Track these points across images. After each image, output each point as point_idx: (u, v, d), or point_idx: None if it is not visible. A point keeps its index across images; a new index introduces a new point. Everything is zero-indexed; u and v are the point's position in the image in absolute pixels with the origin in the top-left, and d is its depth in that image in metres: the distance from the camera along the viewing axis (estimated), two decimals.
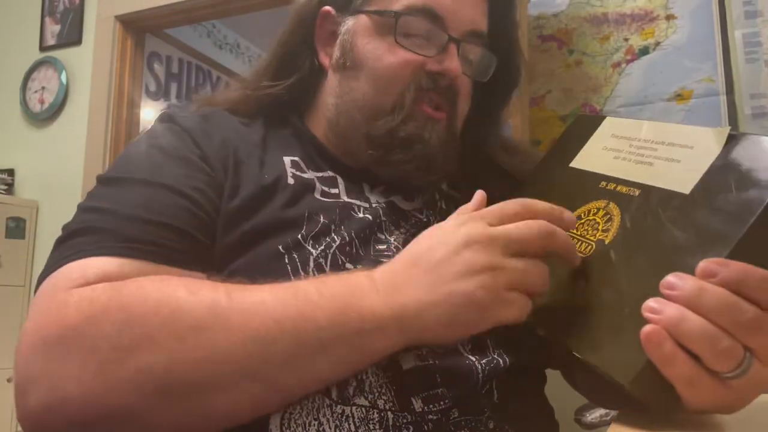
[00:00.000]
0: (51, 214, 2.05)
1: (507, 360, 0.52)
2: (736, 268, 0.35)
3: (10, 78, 2.20)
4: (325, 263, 0.52)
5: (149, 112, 2.60)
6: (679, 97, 1.23)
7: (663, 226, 0.43)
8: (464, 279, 0.42)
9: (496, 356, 0.52)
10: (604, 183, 0.51)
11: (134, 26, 2.10)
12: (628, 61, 1.30)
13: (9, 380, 1.94)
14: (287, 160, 0.60)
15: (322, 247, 0.53)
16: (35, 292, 0.47)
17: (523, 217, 0.44)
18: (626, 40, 1.30)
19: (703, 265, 0.36)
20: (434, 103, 0.59)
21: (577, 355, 0.43)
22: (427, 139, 0.58)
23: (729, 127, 0.46)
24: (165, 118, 0.60)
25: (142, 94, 2.31)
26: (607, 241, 0.46)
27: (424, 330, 0.43)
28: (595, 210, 0.49)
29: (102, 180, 0.54)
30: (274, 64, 0.65)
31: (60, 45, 2.14)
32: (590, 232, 0.48)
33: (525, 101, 1.27)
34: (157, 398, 0.40)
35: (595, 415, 0.94)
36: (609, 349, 0.41)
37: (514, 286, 0.42)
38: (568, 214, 0.46)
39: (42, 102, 2.13)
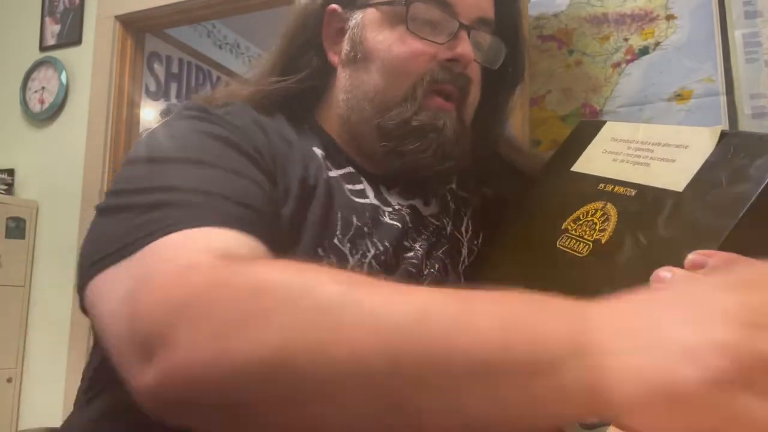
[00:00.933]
0: (51, 215, 2.05)
1: None
2: (723, 257, 0.36)
3: (10, 78, 2.20)
4: (361, 272, 0.52)
5: (149, 112, 2.59)
6: (679, 97, 1.23)
7: (656, 224, 0.44)
8: (725, 326, 0.25)
9: None
10: (602, 185, 0.52)
11: (134, 26, 2.10)
12: (628, 61, 1.30)
13: (9, 380, 1.94)
14: (318, 153, 0.58)
15: (359, 256, 0.52)
16: (118, 262, 0.40)
17: None
18: (626, 40, 1.30)
19: (691, 257, 0.36)
20: (445, 93, 0.59)
21: None
22: (441, 127, 0.57)
23: (722, 126, 0.47)
24: (196, 111, 0.54)
25: (142, 94, 2.31)
26: (603, 241, 0.48)
27: (626, 398, 0.26)
28: (593, 211, 0.51)
29: (158, 159, 0.48)
30: (279, 65, 0.64)
31: (60, 45, 2.14)
32: (588, 233, 0.49)
33: (525, 101, 1.27)
34: (264, 383, 0.32)
35: None
36: None
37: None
38: None
39: (42, 102, 2.13)
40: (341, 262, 0.51)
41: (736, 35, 1.20)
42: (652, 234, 0.44)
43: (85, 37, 2.10)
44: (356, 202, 0.56)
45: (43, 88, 2.13)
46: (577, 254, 0.48)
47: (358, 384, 0.30)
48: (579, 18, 1.33)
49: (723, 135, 0.45)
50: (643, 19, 1.29)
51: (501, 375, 0.28)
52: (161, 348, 0.34)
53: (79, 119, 2.04)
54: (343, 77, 0.62)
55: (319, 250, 0.51)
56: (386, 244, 0.54)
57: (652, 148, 0.50)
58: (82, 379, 0.58)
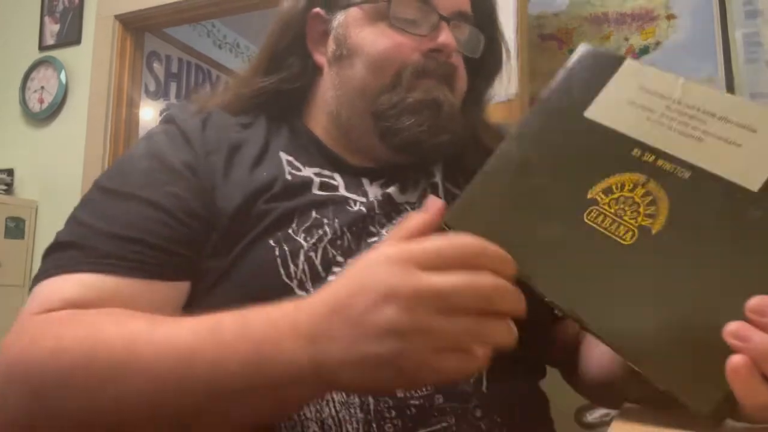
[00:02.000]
0: (50, 214, 2.05)
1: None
2: None
3: (10, 77, 2.20)
4: (316, 256, 0.53)
5: (148, 112, 2.59)
6: None
7: (730, 229, 0.37)
8: (382, 341, 0.35)
9: None
10: (637, 151, 0.42)
11: (134, 26, 2.10)
12: None
13: None
14: (284, 157, 0.61)
15: (314, 240, 0.54)
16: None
17: (467, 266, 0.36)
18: (626, 39, 1.30)
19: (754, 302, 0.34)
20: (431, 84, 0.60)
21: (634, 367, 0.37)
22: (435, 100, 0.59)
23: None
24: (167, 119, 0.62)
25: (142, 93, 2.31)
26: (654, 231, 0.39)
27: (344, 387, 0.42)
28: (631, 186, 0.41)
29: (98, 188, 0.57)
30: (263, 67, 0.67)
31: (59, 44, 2.14)
32: (628, 214, 0.40)
33: (525, 101, 1.27)
34: None
35: (595, 415, 0.94)
36: (681, 372, 0.36)
37: (447, 348, 0.35)
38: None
39: (41, 102, 2.12)
40: (294, 249, 0.53)
41: (737, 35, 1.20)
42: (726, 240, 0.37)
43: (84, 37, 2.10)
44: (321, 196, 0.58)
45: (42, 87, 2.13)
46: (620, 240, 0.40)
47: (153, 422, 0.41)
48: (579, 17, 1.33)
49: None
50: (644, 18, 1.29)
51: (252, 393, 0.39)
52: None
53: (79, 119, 2.04)
54: (330, 75, 0.64)
55: (271, 241, 0.53)
56: (344, 228, 0.55)
57: (704, 119, 0.40)
58: None
